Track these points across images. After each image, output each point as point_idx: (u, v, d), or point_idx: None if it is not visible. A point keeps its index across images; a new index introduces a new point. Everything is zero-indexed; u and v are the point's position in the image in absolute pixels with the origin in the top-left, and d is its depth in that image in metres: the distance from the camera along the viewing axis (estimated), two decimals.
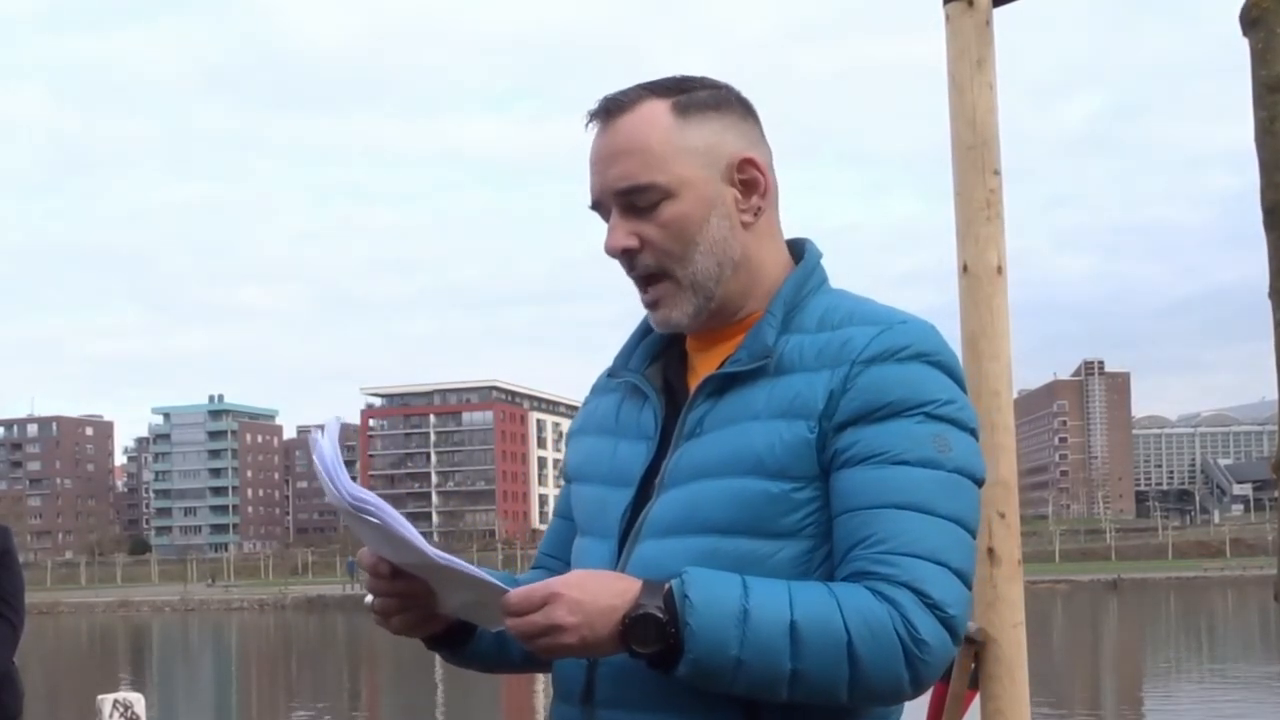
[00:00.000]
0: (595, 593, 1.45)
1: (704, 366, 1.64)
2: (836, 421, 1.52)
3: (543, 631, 1.45)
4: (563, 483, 1.83)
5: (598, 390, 1.79)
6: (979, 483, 1.56)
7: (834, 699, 1.46)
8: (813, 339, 1.57)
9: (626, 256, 1.61)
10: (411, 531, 1.49)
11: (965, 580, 1.50)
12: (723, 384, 1.59)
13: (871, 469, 1.50)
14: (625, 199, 1.59)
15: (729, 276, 1.61)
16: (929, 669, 1.46)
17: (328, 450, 1.49)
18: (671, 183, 1.57)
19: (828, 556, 1.52)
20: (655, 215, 1.58)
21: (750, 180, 1.61)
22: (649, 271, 1.61)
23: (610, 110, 1.60)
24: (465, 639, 1.71)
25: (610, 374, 1.74)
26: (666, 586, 1.45)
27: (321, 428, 1.53)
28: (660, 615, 1.43)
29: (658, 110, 1.58)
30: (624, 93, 1.61)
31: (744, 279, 1.62)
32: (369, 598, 1.62)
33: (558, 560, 1.79)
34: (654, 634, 1.43)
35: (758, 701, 1.47)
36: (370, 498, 1.49)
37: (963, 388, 1.58)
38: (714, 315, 1.63)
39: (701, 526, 1.54)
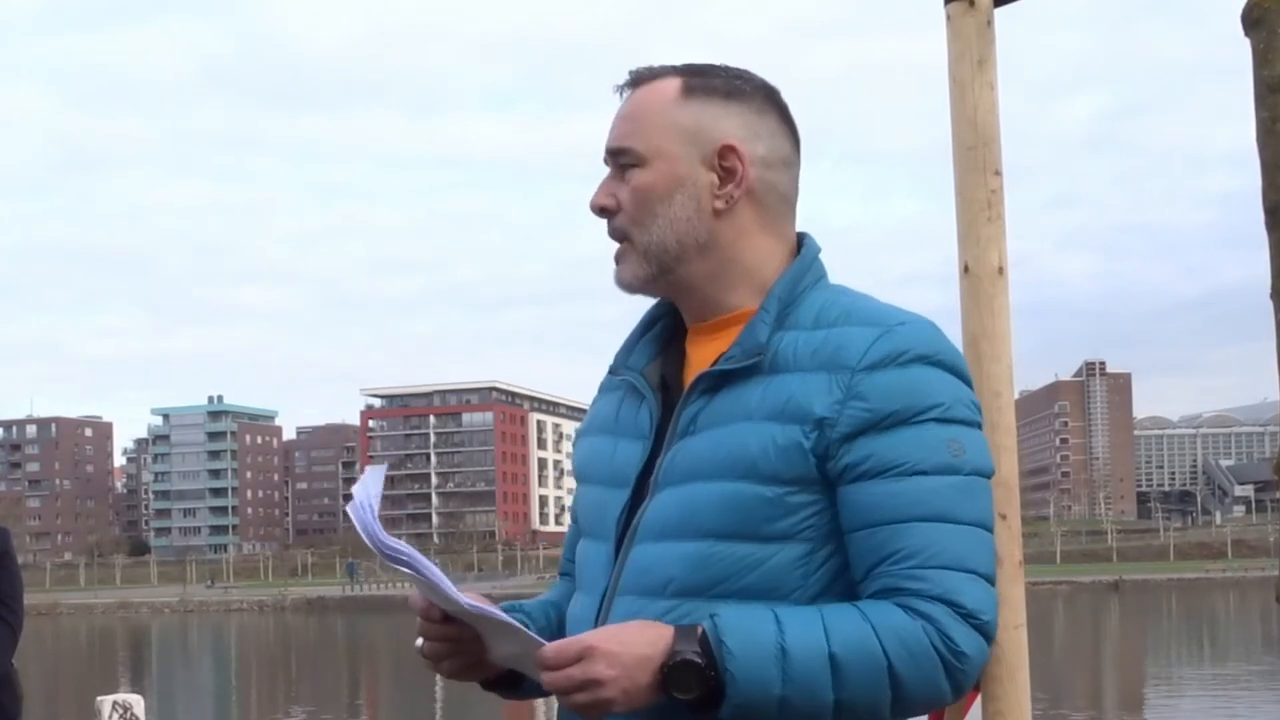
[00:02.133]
0: (629, 643, 1.43)
1: (698, 362, 1.63)
2: (842, 432, 1.49)
3: (580, 686, 1.43)
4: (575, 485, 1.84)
5: (603, 389, 1.77)
6: (991, 476, 1.56)
7: (877, 718, 1.46)
8: (808, 336, 1.55)
9: (603, 215, 1.63)
10: (445, 581, 1.50)
11: (991, 581, 1.50)
12: (716, 381, 1.57)
13: (890, 482, 1.47)
14: (614, 160, 1.62)
15: (693, 258, 1.60)
16: (968, 677, 1.47)
17: (363, 500, 1.51)
18: (645, 150, 1.59)
19: (828, 559, 1.51)
20: (628, 180, 1.60)
21: (730, 168, 1.59)
22: (618, 235, 1.63)
23: (634, 81, 1.64)
24: (519, 680, 1.70)
25: (611, 371, 1.73)
26: (700, 630, 1.43)
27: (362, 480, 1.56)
28: (699, 660, 1.41)
29: (668, 85, 1.61)
30: (652, 67, 1.64)
31: (713, 265, 1.60)
32: (419, 640, 1.61)
33: (575, 564, 1.77)
34: (695, 680, 1.41)
35: None
36: (404, 549, 1.49)
37: (966, 381, 1.56)
38: (684, 294, 1.63)
39: (697, 531, 1.52)
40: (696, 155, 1.59)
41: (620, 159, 1.61)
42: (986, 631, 1.47)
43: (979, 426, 1.55)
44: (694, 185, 1.59)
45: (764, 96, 1.63)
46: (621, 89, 1.64)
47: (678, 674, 1.41)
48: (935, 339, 1.54)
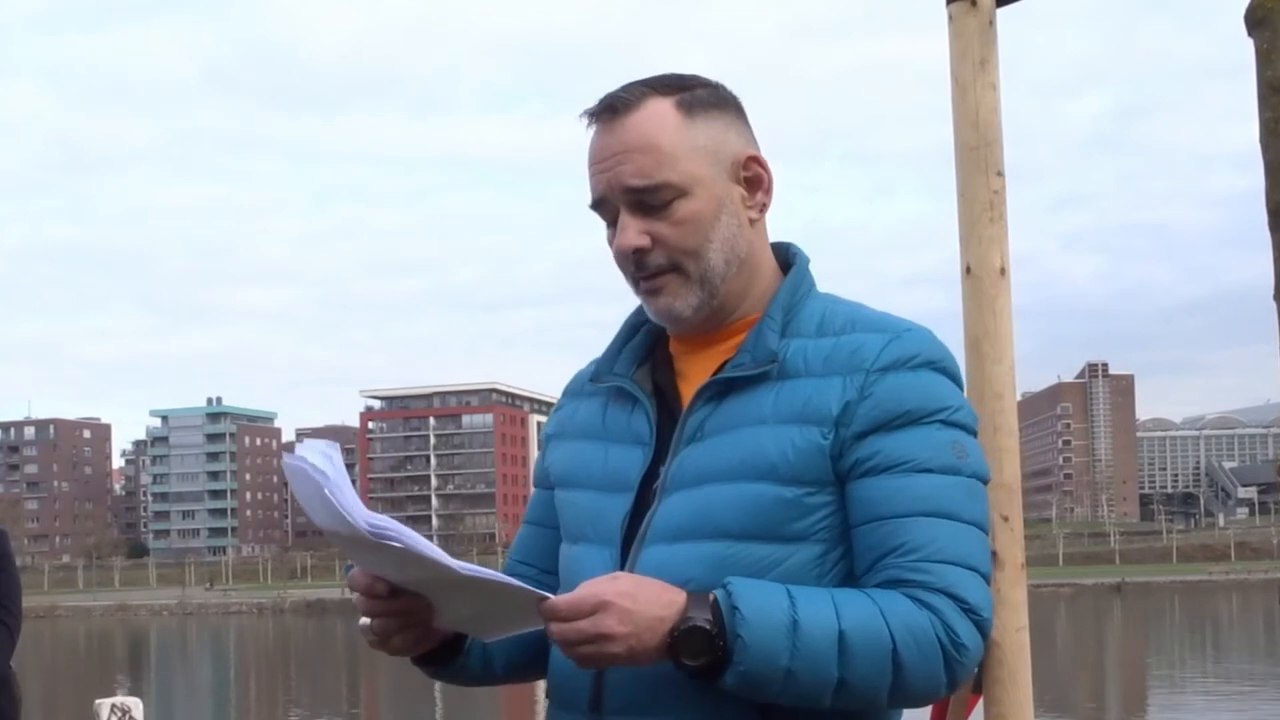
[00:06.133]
0: (645, 602, 1.43)
1: (693, 369, 1.64)
2: (855, 430, 1.52)
3: (589, 639, 1.43)
4: (533, 489, 1.81)
5: (574, 394, 1.76)
6: (987, 483, 1.59)
7: (874, 704, 1.48)
8: (815, 344, 1.58)
9: (638, 255, 1.58)
10: (434, 549, 1.45)
11: (989, 581, 1.55)
12: (723, 388, 1.59)
13: (897, 477, 1.51)
14: (636, 197, 1.56)
15: (733, 274, 1.61)
16: (965, 671, 1.51)
17: (334, 476, 1.43)
18: (685, 181, 1.56)
19: (841, 559, 1.54)
20: (669, 213, 1.56)
21: (754, 178, 1.62)
22: (664, 268, 1.59)
23: (616, 108, 1.57)
24: (454, 654, 1.69)
25: (593, 379, 1.72)
26: (711, 597, 1.44)
27: (314, 452, 1.43)
28: (709, 627, 1.42)
29: (664, 108, 1.57)
30: (627, 90, 1.59)
31: (745, 277, 1.62)
32: (364, 620, 1.57)
33: (531, 567, 1.77)
34: (703, 646, 1.43)
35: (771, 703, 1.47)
36: (389, 523, 1.44)
37: (962, 390, 1.62)
38: (713, 315, 1.62)
39: (714, 532, 1.53)
40: (723, 172, 1.59)
41: (650, 195, 1.55)
42: (985, 629, 1.51)
43: (974, 434, 1.59)
44: (731, 202, 1.60)
45: (733, 98, 1.64)
46: (595, 117, 1.58)
47: (687, 639, 1.42)
48: (939, 346, 1.60)
